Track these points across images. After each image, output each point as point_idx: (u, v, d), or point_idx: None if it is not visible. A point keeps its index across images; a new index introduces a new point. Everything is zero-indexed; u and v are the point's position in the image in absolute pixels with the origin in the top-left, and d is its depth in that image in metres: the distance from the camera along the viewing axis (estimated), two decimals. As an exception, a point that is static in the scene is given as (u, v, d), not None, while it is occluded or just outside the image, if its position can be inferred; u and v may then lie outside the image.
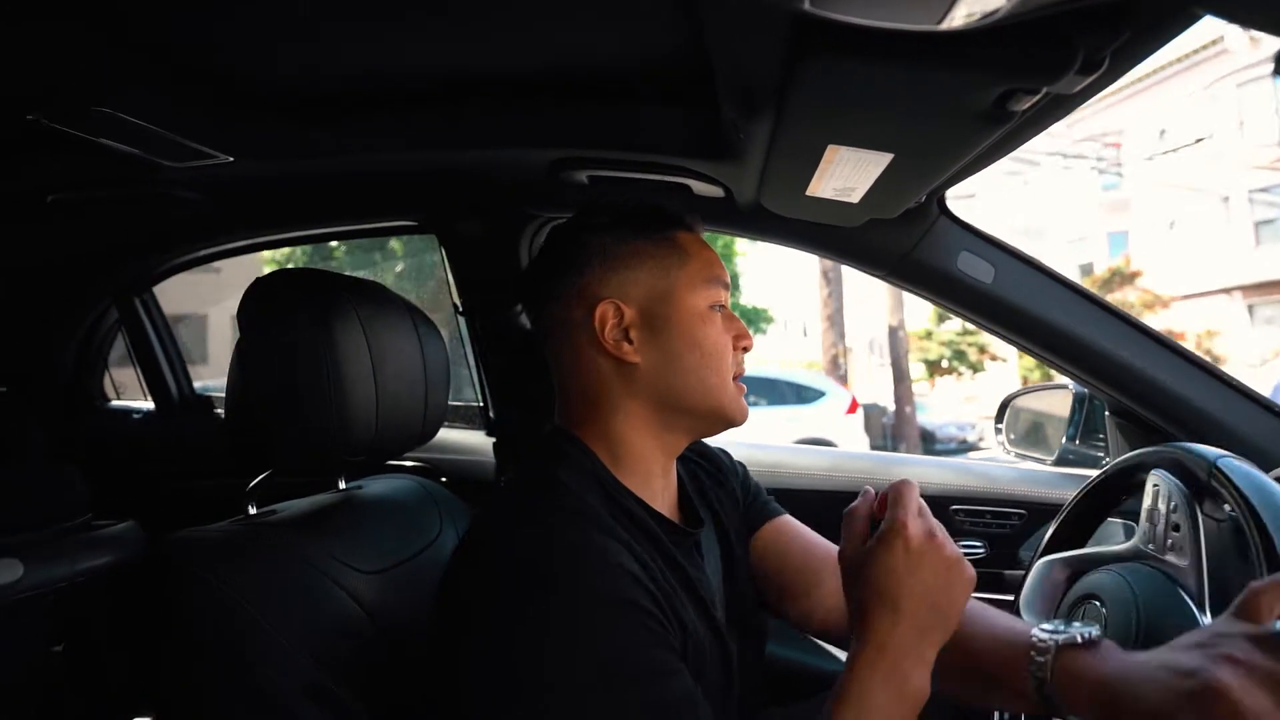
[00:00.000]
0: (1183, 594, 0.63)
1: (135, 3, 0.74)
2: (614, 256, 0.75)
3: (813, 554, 0.87)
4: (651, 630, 0.58)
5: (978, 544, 1.26)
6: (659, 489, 0.75)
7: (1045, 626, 0.58)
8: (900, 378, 10.95)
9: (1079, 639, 0.56)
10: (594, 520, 0.63)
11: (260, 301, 0.78)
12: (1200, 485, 0.66)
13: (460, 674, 0.59)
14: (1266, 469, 0.86)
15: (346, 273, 0.89)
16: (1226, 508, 0.65)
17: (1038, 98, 0.54)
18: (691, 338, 0.73)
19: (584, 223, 0.78)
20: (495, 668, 0.56)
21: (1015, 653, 0.61)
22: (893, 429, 11.01)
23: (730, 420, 0.76)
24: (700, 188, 1.03)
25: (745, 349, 0.77)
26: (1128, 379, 1.04)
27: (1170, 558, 0.66)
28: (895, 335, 10.88)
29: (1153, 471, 0.71)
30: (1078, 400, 1.30)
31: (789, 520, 0.92)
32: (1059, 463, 1.33)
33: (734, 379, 0.76)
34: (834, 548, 0.87)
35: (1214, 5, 0.42)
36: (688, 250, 0.76)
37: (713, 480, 0.88)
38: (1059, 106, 0.63)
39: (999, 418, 1.47)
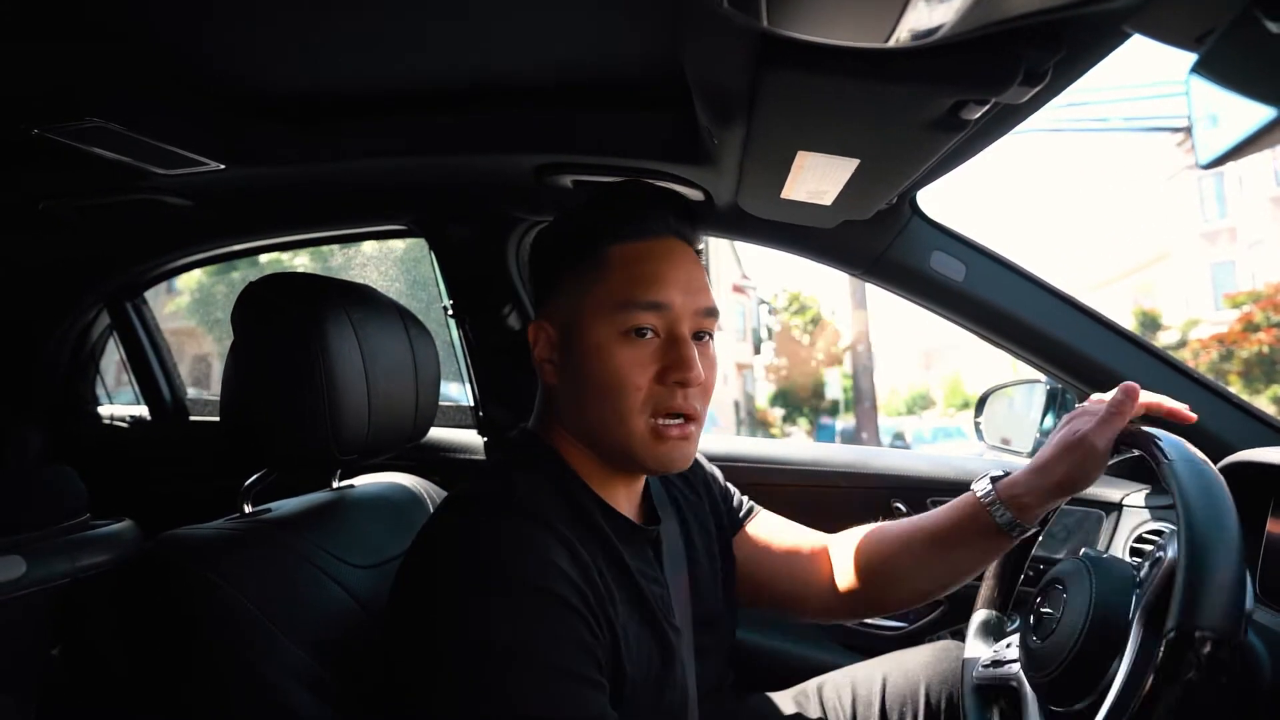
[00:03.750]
0: (1129, 569, 0.67)
1: (125, 13, 0.76)
2: (548, 272, 0.73)
3: (798, 547, 0.92)
4: (572, 627, 0.59)
5: (955, 534, 1.29)
6: (622, 495, 0.74)
7: (975, 489, 0.79)
8: (860, 398, 11.03)
9: (999, 474, 0.79)
10: (535, 517, 0.62)
11: (254, 305, 0.80)
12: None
13: (402, 653, 0.61)
14: (1222, 456, 0.90)
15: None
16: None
17: (988, 107, 0.58)
18: (589, 370, 0.67)
19: (543, 232, 0.77)
20: (427, 647, 0.58)
21: (976, 520, 0.79)
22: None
23: (642, 466, 0.69)
24: (681, 190, 1.06)
25: (679, 384, 0.66)
26: (1095, 373, 1.07)
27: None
28: (857, 353, 10.96)
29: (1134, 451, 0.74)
30: (1050, 394, 1.34)
31: (767, 518, 0.96)
32: (1034, 454, 1.36)
33: (660, 417, 0.67)
34: (814, 535, 0.94)
35: (1142, 26, 0.45)
36: (611, 268, 0.68)
37: (684, 483, 0.90)
38: (1013, 114, 0.67)
39: (978, 411, 1.51)
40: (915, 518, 0.87)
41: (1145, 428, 0.72)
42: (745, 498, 0.97)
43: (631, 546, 0.72)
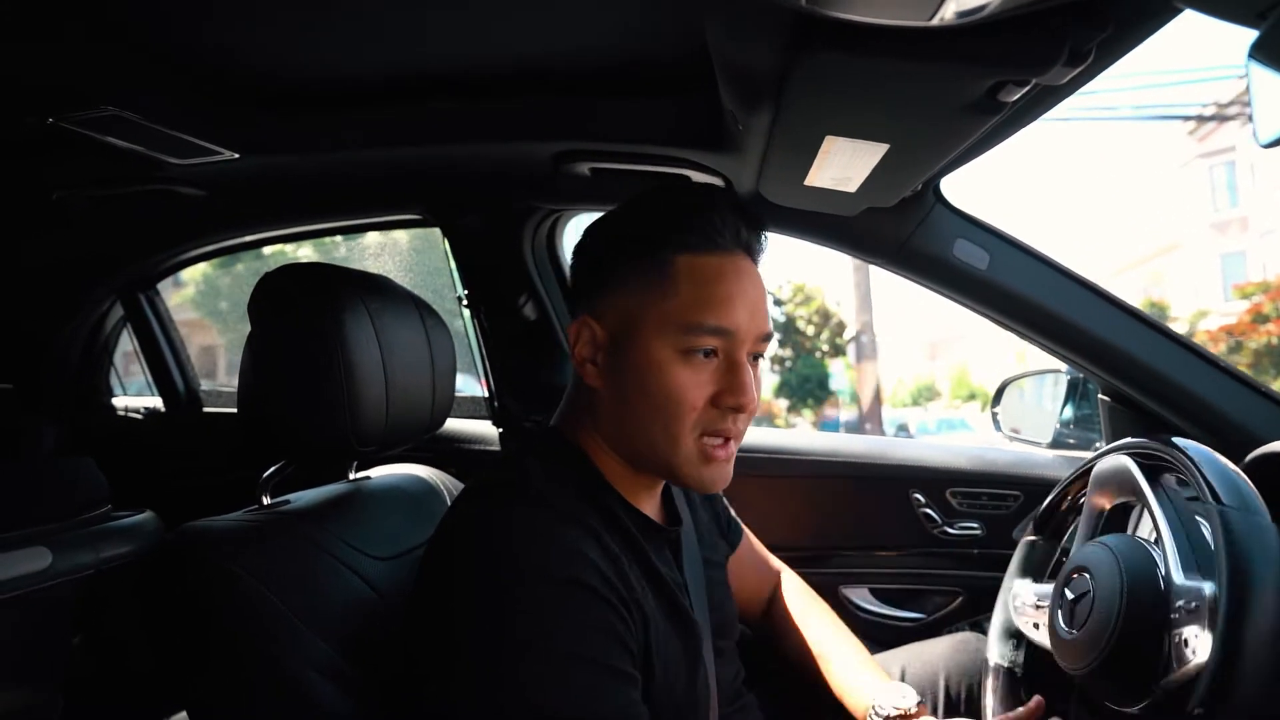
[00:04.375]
0: (1155, 559, 0.66)
1: (137, 2, 0.75)
2: (603, 268, 0.69)
3: (759, 572, 1.01)
4: (602, 616, 0.58)
5: (974, 525, 1.28)
6: (644, 497, 0.73)
7: (881, 704, 0.82)
8: (865, 390, 10.98)
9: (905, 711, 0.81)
10: (557, 510, 0.62)
11: (271, 296, 0.80)
12: (1159, 464, 0.70)
13: (422, 645, 0.60)
14: (1251, 448, 0.88)
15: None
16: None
17: (1027, 89, 0.56)
18: (642, 383, 0.65)
19: (600, 223, 0.73)
20: (445, 638, 0.58)
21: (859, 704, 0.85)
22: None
23: (684, 483, 0.69)
24: (700, 178, 1.05)
25: (733, 409, 0.65)
26: (1119, 363, 1.06)
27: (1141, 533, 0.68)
28: (861, 344, 10.89)
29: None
30: (1071, 384, 1.33)
31: (747, 538, 1.01)
32: (1054, 445, 1.35)
33: (706, 437, 0.66)
34: (773, 561, 1.04)
35: (1195, 0, 0.43)
36: (680, 281, 0.64)
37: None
38: (1048, 97, 0.65)
39: (995, 401, 1.50)
40: (838, 654, 0.93)
41: (1181, 441, 0.71)
42: (735, 517, 1.00)
43: (653, 544, 0.71)
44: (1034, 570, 0.91)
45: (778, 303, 20.07)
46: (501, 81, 0.95)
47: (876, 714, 0.82)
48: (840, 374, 18.14)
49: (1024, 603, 0.87)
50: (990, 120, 0.63)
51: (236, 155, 1.04)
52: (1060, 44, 0.50)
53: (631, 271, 0.66)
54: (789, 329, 19.38)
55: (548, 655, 0.55)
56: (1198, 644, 0.58)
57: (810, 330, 19.20)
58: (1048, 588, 0.83)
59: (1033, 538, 0.94)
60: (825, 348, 19.09)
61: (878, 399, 11.57)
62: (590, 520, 0.63)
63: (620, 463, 0.70)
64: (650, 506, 0.74)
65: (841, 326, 19.22)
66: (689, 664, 0.68)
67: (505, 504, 0.62)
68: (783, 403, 19.35)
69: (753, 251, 0.69)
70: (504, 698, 0.54)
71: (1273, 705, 0.53)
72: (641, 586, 0.64)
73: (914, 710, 0.82)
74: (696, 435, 0.66)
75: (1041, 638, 0.80)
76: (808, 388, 18.36)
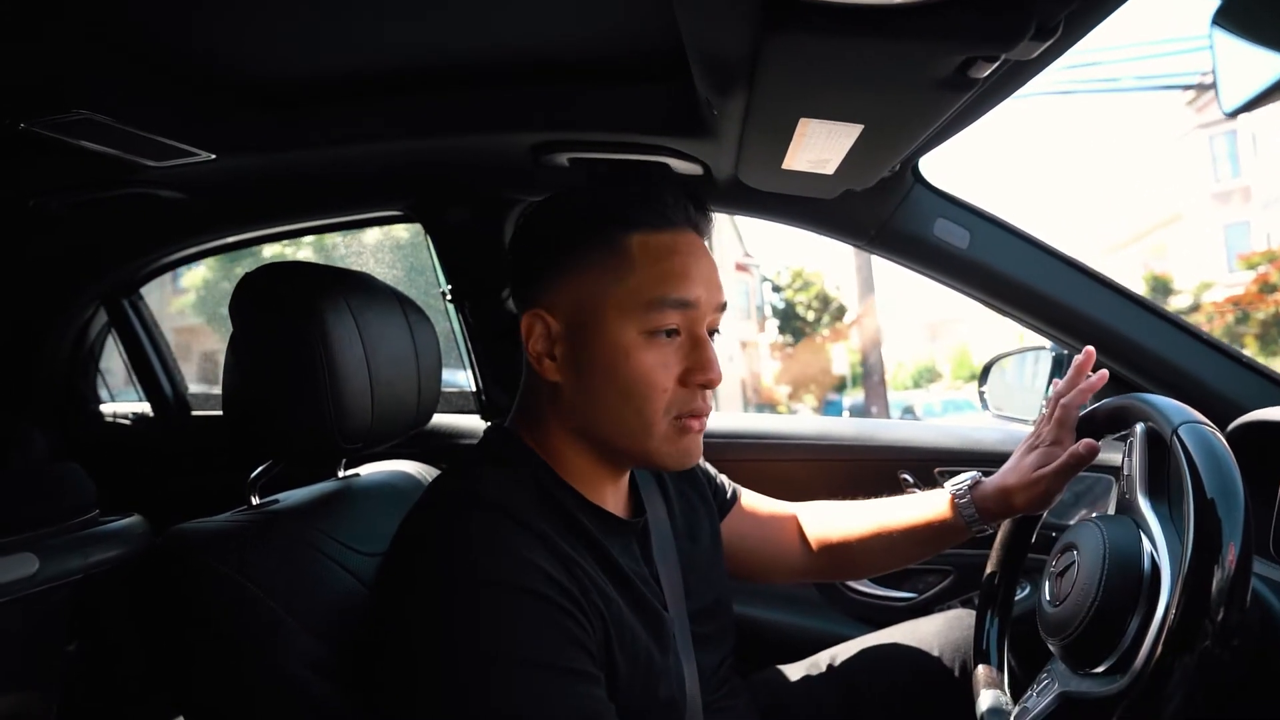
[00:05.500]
0: (1146, 544, 0.65)
1: (107, 3, 0.74)
2: (550, 257, 0.67)
3: (773, 520, 0.98)
4: (557, 621, 0.57)
5: (963, 503, 1.29)
6: (608, 491, 0.72)
7: (950, 487, 0.88)
8: (869, 373, 10.97)
9: (973, 481, 0.87)
10: (512, 517, 0.61)
11: (251, 295, 0.79)
12: (1164, 447, 0.67)
13: (380, 656, 0.60)
14: (1233, 416, 0.89)
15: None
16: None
17: (997, 64, 0.56)
18: (609, 369, 0.64)
19: (538, 211, 0.71)
20: (404, 650, 0.58)
21: (946, 516, 0.87)
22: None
23: (660, 465, 0.68)
24: (679, 165, 1.05)
25: (702, 385, 0.65)
26: (1101, 336, 1.07)
27: (1144, 510, 0.67)
28: (865, 327, 10.88)
29: (1135, 425, 0.73)
30: (1056, 360, 1.34)
31: (746, 495, 0.99)
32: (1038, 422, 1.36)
33: (681, 418, 0.66)
34: (784, 505, 1.01)
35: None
36: (637, 260, 0.64)
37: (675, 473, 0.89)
38: (1020, 73, 0.65)
39: (982, 380, 1.51)
40: (889, 503, 0.94)
41: (1141, 394, 0.72)
42: (725, 479, 0.98)
43: (615, 539, 0.70)
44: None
45: (776, 289, 20.02)
46: (478, 74, 0.95)
47: (958, 496, 0.87)
48: (842, 358, 18.14)
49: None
50: (963, 97, 0.63)
51: (214, 156, 1.03)
52: (1027, 18, 0.50)
53: (584, 257, 0.65)
54: (789, 315, 19.34)
55: (505, 663, 0.55)
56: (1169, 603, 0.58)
57: (810, 316, 19.15)
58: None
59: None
60: (825, 333, 19.06)
61: (882, 382, 11.57)
62: (543, 525, 0.62)
63: (584, 456, 0.69)
64: (614, 500, 0.73)
65: (842, 311, 19.19)
66: (660, 655, 0.68)
67: (460, 514, 0.62)
68: (784, 389, 19.32)
69: (701, 229, 0.69)
70: (465, 708, 0.54)
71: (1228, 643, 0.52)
72: (600, 585, 0.64)
73: (979, 478, 0.87)
74: (671, 417, 0.66)
75: None
76: (809, 373, 18.33)
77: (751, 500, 0.98)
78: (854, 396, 16.75)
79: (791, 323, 19.27)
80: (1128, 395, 0.75)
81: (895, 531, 0.90)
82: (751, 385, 19.14)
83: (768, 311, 20.18)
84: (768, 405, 18.88)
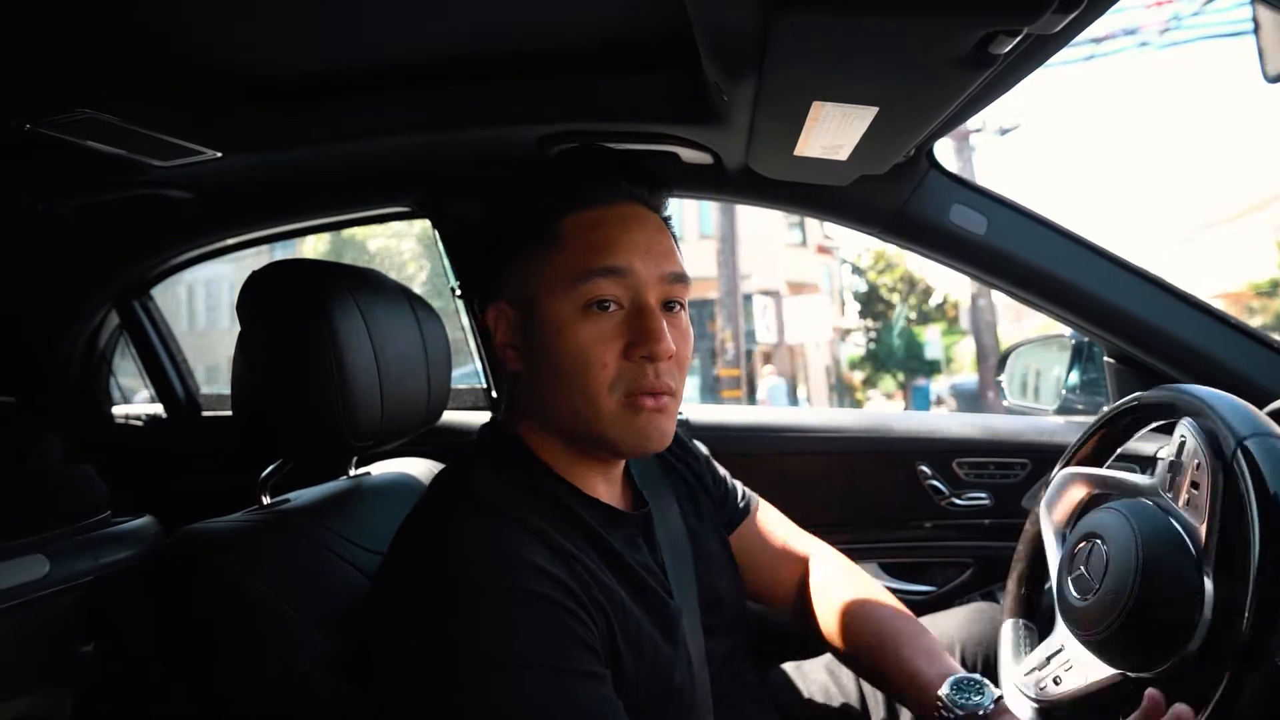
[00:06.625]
0: (1190, 548, 0.61)
1: (112, 3, 0.74)
2: (497, 251, 0.69)
3: (786, 548, 0.93)
4: (557, 620, 0.56)
5: (983, 495, 1.27)
6: (599, 483, 0.71)
7: (949, 690, 0.70)
8: (984, 355, 10.48)
9: (979, 713, 0.68)
10: (501, 513, 0.61)
11: (259, 294, 0.79)
12: (1225, 458, 0.61)
13: (379, 661, 0.59)
14: (1262, 403, 0.87)
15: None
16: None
17: (1019, 39, 0.54)
18: (547, 348, 0.64)
19: (485, 209, 0.72)
20: (400, 657, 0.57)
21: (926, 699, 0.73)
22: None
23: (616, 448, 0.66)
24: (689, 155, 1.03)
25: (647, 359, 0.63)
26: (1125, 323, 1.04)
27: (1185, 512, 0.63)
28: (977, 306, 10.45)
29: (1184, 420, 0.67)
30: (1076, 349, 1.31)
31: (766, 510, 0.95)
32: (1061, 411, 1.34)
33: (632, 395, 0.63)
34: (804, 539, 0.95)
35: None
36: (567, 240, 0.64)
37: (680, 460, 0.88)
38: (1041, 48, 0.63)
39: (999, 369, 1.48)
40: (901, 627, 0.83)
41: (1194, 389, 0.67)
42: (743, 488, 0.96)
43: (617, 531, 0.69)
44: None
45: (856, 271, 19.43)
46: (484, 67, 0.94)
47: (947, 712, 0.70)
48: (936, 341, 17.56)
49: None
50: (982, 75, 0.61)
51: (220, 154, 1.03)
52: (1050, -11, 0.48)
53: (524, 246, 0.66)
54: (871, 298, 18.78)
55: (506, 666, 0.54)
56: (1225, 596, 0.56)
57: (895, 299, 18.60)
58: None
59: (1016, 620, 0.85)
60: (912, 315, 18.50)
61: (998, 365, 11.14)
62: (539, 521, 0.62)
63: (556, 446, 0.69)
64: (609, 491, 0.72)
65: (928, 293, 18.61)
66: (667, 645, 0.67)
67: (455, 517, 0.61)
68: (858, 374, 18.75)
69: (645, 200, 0.69)
70: (469, 715, 0.53)
71: None
72: (601, 578, 0.63)
73: (991, 708, 0.69)
74: (619, 395, 0.63)
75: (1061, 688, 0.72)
76: (897, 358, 17.80)
77: (768, 521, 0.95)
78: (947, 380, 16.06)
79: (874, 306, 18.70)
80: (1177, 389, 0.71)
81: (883, 650, 0.80)
82: (835, 372, 18.52)
83: (849, 295, 19.62)
84: (849, 391, 18.40)
